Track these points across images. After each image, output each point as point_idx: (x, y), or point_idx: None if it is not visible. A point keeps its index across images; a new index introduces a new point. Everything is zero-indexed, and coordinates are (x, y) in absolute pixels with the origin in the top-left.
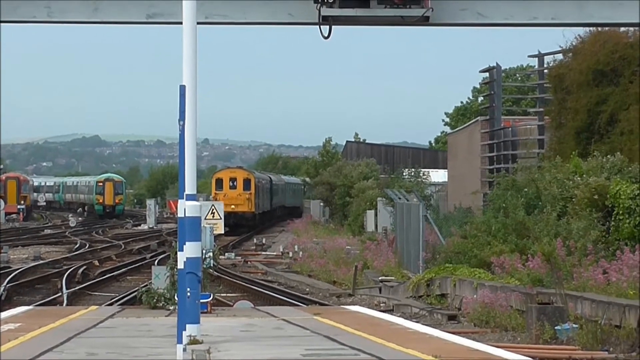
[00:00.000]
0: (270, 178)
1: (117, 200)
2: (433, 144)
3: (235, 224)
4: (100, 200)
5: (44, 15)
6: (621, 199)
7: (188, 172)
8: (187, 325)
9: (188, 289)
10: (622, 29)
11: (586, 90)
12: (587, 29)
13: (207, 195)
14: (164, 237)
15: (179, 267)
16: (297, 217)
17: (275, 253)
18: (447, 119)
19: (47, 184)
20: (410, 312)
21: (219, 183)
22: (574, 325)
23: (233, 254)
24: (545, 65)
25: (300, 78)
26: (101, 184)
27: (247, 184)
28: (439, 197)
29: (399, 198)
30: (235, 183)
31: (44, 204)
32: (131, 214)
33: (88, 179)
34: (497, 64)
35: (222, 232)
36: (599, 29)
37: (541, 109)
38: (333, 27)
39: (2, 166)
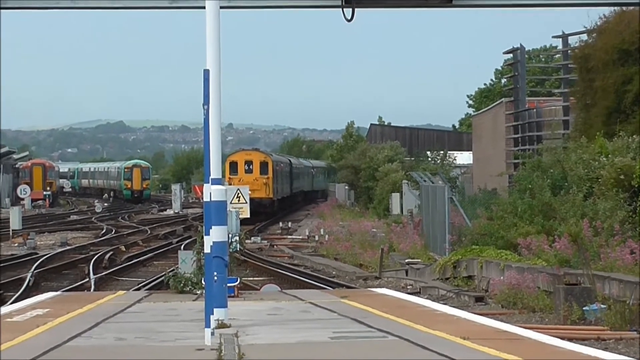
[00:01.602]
0: (290, 161)
1: (144, 185)
2: (457, 127)
3: (252, 210)
4: (129, 186)
5: (68, 1)
6: None
7: (213, 156)
8: (215, 309)
9: (215, 273)
10: None
11: (612, 70)
12: (612, 8)
13: None
14: (190, 221)
15: (205, 251)
16: (322, 202)
17: (301, 237)
18: (471, 101)
19: (61, 170)
20: (437, 294)
21: (234, 166)
22: (602, 306)
23: (259, 237)
24: (569, 46)
25: (324, 61)
26: (129, 169)
27: (264, 167)
28: (465, 179)
29: (424, 180)
30: (251, 166)
31: (70, 189)
32: (157, 199)
33: (106, 165)
34: (520, 45)
35: (248, 215)
36: (624, 8)
37: (566, 90)
38: (356, 9)
39: (27, 153)
